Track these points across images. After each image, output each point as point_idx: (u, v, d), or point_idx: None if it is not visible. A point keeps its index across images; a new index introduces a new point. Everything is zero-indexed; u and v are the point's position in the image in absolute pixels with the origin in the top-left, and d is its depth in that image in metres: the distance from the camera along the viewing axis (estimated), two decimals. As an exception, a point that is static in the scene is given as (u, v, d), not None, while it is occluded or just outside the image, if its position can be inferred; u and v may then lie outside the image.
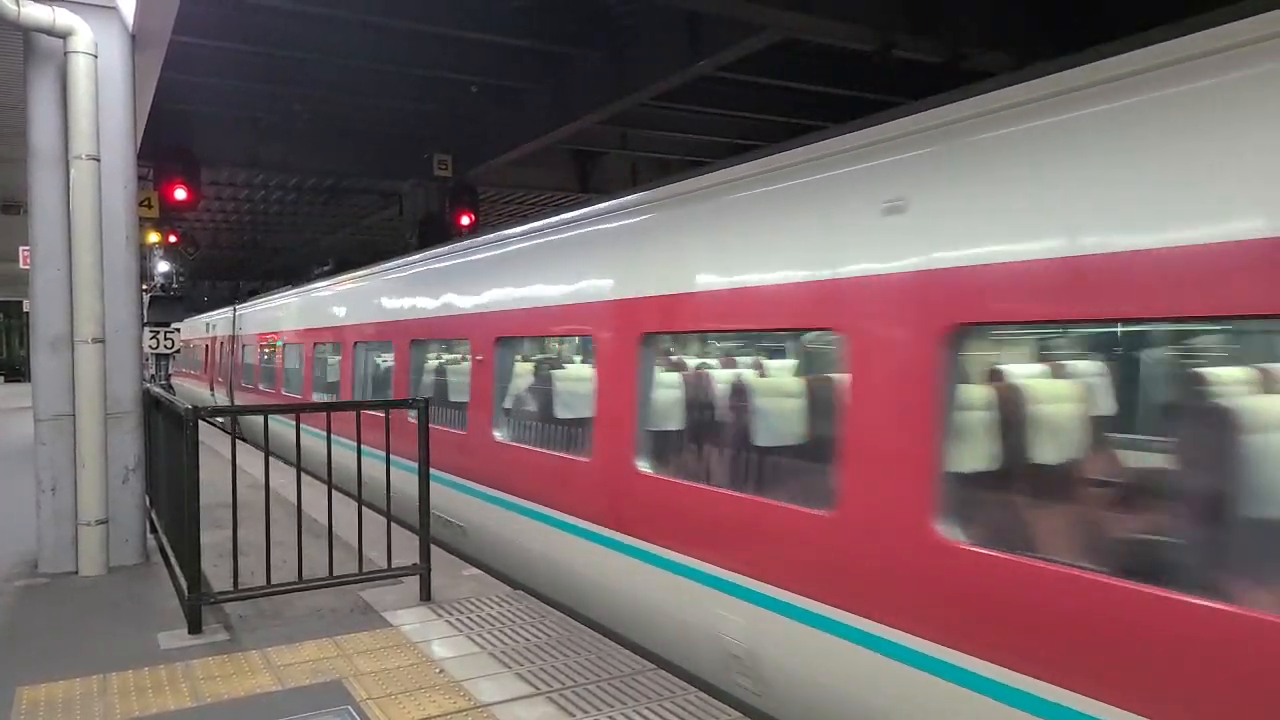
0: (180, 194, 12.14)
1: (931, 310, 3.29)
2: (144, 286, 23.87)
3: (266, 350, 15.29)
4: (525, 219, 7.21)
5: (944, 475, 3.21)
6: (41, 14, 5.51)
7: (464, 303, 7.46)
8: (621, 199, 5.61)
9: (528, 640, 4.49)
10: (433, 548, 5.35)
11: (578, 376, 6.41)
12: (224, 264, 32.04)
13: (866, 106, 4.36)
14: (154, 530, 6.45)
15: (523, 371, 7.37)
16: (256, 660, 4.22)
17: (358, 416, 5.24)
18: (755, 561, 4.01)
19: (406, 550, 5.32)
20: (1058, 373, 4.09)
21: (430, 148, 14.23)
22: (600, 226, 5.69)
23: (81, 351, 5.72)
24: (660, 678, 4.01)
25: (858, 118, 3.96)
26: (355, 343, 10.26)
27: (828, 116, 11.52)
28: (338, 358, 11.05)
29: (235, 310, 19.13)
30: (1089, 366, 3.99)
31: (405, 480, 5.19)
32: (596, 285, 5.45)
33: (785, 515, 3.92)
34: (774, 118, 12.84)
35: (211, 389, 20.77)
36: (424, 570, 5.19)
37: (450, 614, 4.92)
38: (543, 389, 6.89)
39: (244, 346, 17.27)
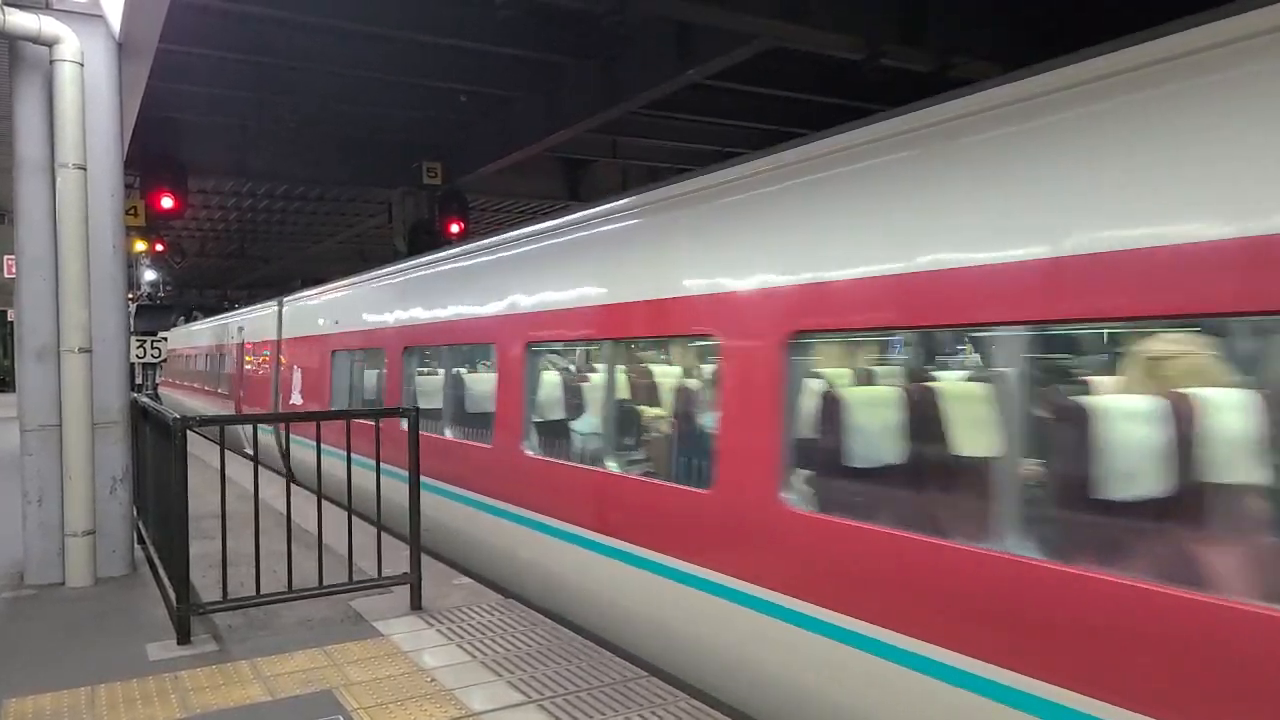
0: (167, 202, 12.08)
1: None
2: (130, 295, 23.59)
3: None
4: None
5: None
6: (27, 22, 5.49)
7: None
8: None
9: (519, 648, 4.48)
10: (423, 556, 5.34)
11: None
12: (211, 272, 31.91)
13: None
14: (141, 541, 6.41)
15: None
16: (246, 671, 4.19)
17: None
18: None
19: (397, 560, 5.30)
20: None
21: (419, 156, 14.22)
22: None
23: (68, 361, 5.68)
24: (652, 685, 4.01)
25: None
26: None
27: (816, 124, 11.59)
28: None
29: None
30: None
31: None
32: None
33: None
34: (763, 126, 12.92)
35: None
36: (414, 579, 5.17)
37: (441, 623, 4.90)
38: None
39: None
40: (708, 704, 3.84)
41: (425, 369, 8.50)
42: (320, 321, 11.06)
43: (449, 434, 7.37)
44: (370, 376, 9.75)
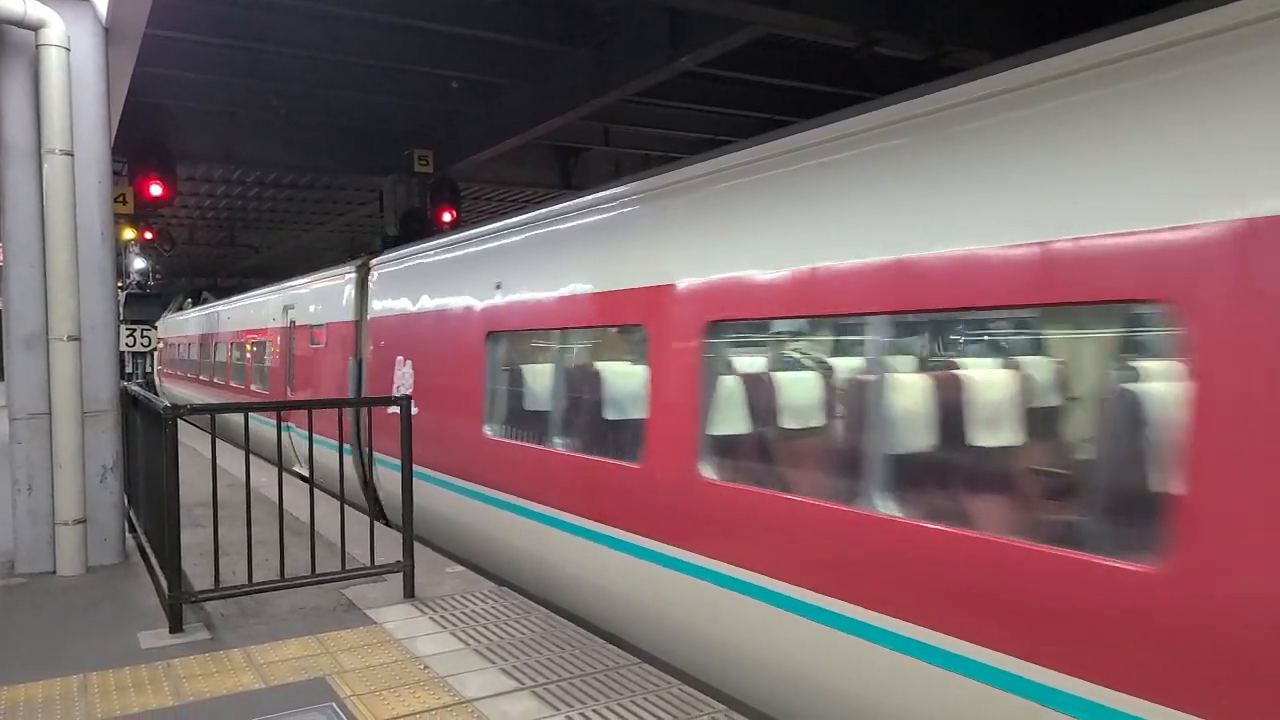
0: (155, 189, 11.98)
1: None
2: (119, 284, 23.27)
3: None
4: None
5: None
6: (13, 5, 5.43)
7: None
8: None
9: (512, 636, 4.49)
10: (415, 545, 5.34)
11: None
12: (201, 261, 31.67)
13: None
14: (133, 529, 6.39)
15: None
16: (239, 659, 4.19)
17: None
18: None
19: (389, 548, 5.31)
20: None
21: (411, 143, 14.14)
22: None
23: (57, 349, 5.65)
24: (644, 671, 4.03)
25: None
26: None
27: (809, 112, 11.56)
28: None
29: None
30: None
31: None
32: None
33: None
34: (756, 114, 12.88)
35: None
36: (407, 567, 5.17)
37: (434, 610, 4.91)
38: None
39: None
40: (701, 691, 3.86)
41: (776, 363, 5.02)
42: (458, 288, 7.21)
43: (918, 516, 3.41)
44: (577, 376, 5.91)
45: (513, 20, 9.70)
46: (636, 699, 3.71)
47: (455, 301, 7.26)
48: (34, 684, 3.91)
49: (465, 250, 7.45)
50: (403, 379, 8.03)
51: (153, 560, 5.42)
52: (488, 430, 6.23)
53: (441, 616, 4.81)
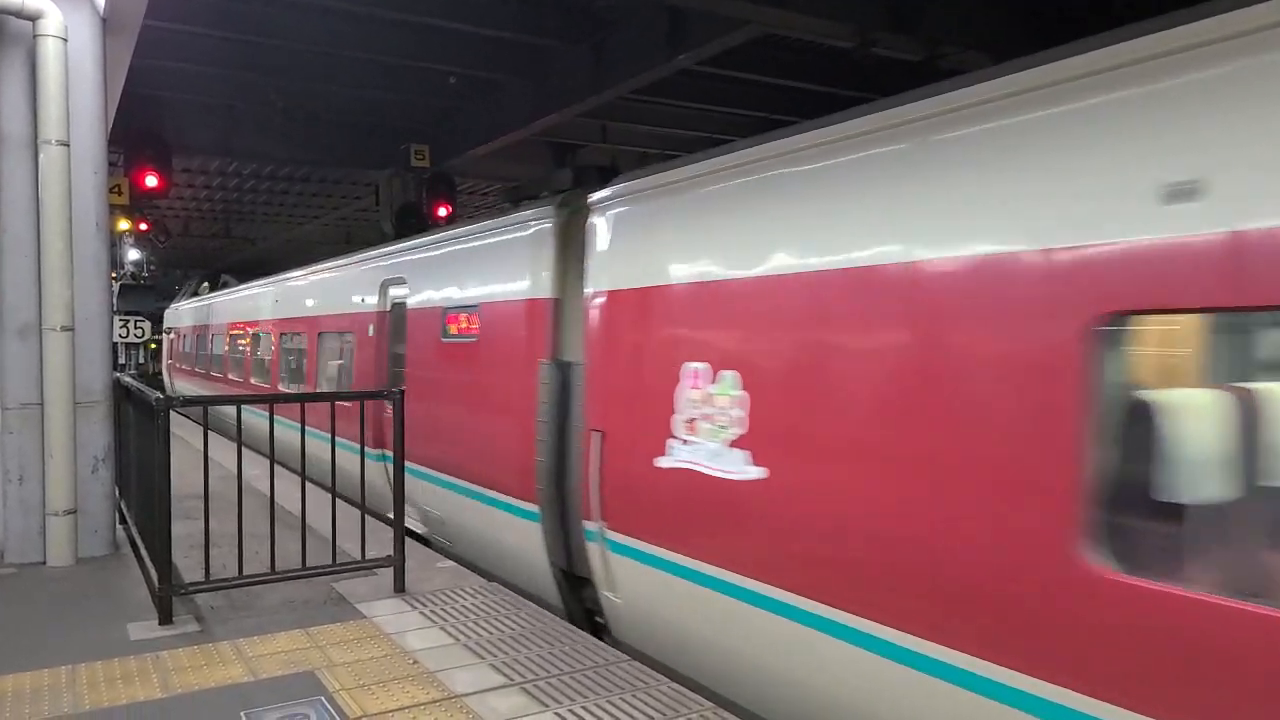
0: (151, 181, 11.95)
1: None
2: (114, 275, 23.16)
3: None
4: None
5: None
6: (10, -5, 5.42)
7: None
8: None
9: (502, 631, 4.50)
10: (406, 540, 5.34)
11: None
12: (196, 253, 31.61)
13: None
14: (123, 521, 6.38)
15: None
16: (228, 651, 4.19)
17: None
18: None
19: (380, 542, 5.31)
20: None
21: (407, 138, 14.13)
22: None
23: (50, 340, 5.64)
24: (633, 669, 4.04)
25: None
26: None
27: (805, 112, 11.55)
28: None
29: None
30: None
31: None
32: None
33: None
34: (753, 113, 12.89)
35: None
36: (398, 562, 5.18)
37: (424, 605, 4.92)
38: None
39: None
40: (689, 688, 3.88)
41: None
42: (933, 220, 3.27)
43: None
44: None
45: (512, 17, 9.69)
46: (625, 696, 3.72)
47: (914, 251, 3.37)
48: (22, 674, 3.91)
49: (975, 127, 3.24)
50: (713, 408, 4.23)
51: (143, 552, 5.41)
52: (1097, 559, 2.69)
53: (431, 611, 4.81)
